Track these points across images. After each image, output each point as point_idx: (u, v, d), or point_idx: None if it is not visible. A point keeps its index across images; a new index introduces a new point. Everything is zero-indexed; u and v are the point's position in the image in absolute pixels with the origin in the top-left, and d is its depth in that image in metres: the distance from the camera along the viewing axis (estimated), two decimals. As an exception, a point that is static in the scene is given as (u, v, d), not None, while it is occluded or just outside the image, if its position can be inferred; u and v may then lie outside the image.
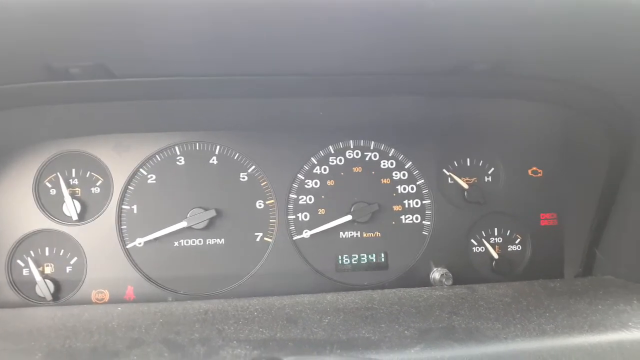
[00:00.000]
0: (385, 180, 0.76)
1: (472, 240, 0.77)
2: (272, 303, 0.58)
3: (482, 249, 0.76)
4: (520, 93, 0.68)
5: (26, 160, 0.71)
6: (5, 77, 0.57)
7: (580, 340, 0.50)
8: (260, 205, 0.74)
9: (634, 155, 0.65)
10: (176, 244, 0.73)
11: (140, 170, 0.72)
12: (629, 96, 0.61)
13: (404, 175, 0.76)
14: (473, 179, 0.76)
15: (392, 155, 0.76)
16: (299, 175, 0.75)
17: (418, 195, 0.76)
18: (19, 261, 0.70)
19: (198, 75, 0.58)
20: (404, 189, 0.76)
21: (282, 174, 0.75)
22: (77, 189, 0.72)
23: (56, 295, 0.70)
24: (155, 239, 0.72)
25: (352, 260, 0.76)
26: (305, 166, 0.76)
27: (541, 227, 0.77)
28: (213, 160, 0.74)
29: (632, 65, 0.57)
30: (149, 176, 0.72)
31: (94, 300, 0.71)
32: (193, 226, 0.72)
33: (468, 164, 0.76)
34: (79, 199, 0.71)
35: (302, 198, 0.76)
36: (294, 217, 0.75)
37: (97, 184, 0.72)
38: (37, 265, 0.70)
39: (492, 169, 0.76)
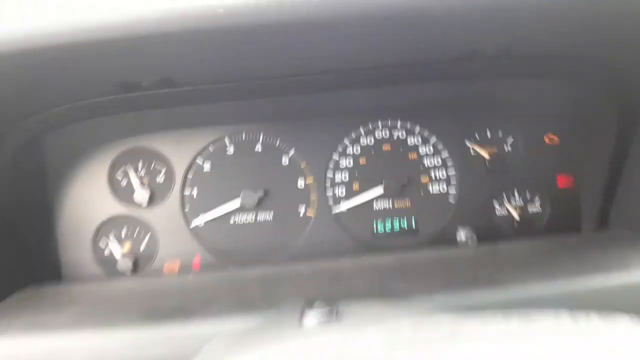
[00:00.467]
0: (413, 155, 0.83)
1: (495, 205, 0.83)
2: (317, 266, 0.68)
3: (505, 212, 0.83)
4: (532, 72, 0.73)
5: (99, 158, 0.82)
6: (84, 94, 0.68)
7: (590, 283, 0.57)
8: (301, 184, 0.83)
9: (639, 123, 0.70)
10: (231, 221, 0.83)
11: (197, 160, 0.82)
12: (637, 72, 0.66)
13: (429, 150, 0.83)
14: (493, 148, 0.82)
15: (418, 133, 0.83)
16: (333, 155, 0.83)
17: (443, 166, 0.83)
18: (100, 243, 0.82)
19: (248, 80, 0.67)
20: (430, 162, 0.83)
21: (319, 155, 0.84)
22: (144, 179, 0.83)
23: (134, 270, 0.82)
24: (214, 218, 0.82)
25: (386, 228, 0.84)
26: (339, 147, 0.84)
27: (558, 189, 0.83)
28: (258, 148, 0.83)
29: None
30: (204, 165, 0.82)
31: (165, 272, 0.83)
32: (245, 205, 0.82)
33: (489, 136, 0.82)
34: (146, 188, 0.82)
35: (338, 175, 0.84)
36: (331, 192, 0.84)
37: (161, 174, 0.82)
38: (117, 244, 0.82)
39: (511, 139, 0.82)
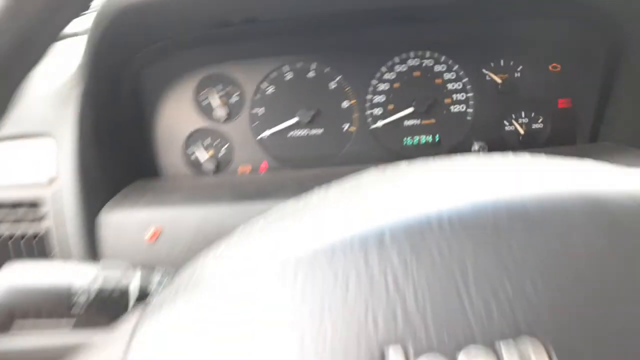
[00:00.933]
0: (438, 81, 1.00)
1: (504, 122, 1.00)
2: (356, 170, 0.88)
3: (512, 128, 1.00)
4: (539, 12, 0.88)
5: (187, 82, 1.02)
6: (183, 31, 0.87)
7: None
8: (345, 105, 1.02)
9: (626, 52, 0.84)
10: (289, 135, 1.03)
11: (262, 84, 1.02)
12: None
13: (452, 76, 0.99)
14: (505, 75, 0.98)
15: (443, 61, 0.99)
16: (372, 81, 1.01)
17: (463, 90, 0.99)
18: (188, 150, 1.05)
19: (311, 17, 0.86)
20: (452, 86, 0.99)
21: (361, 81, 1.00)
22: (222, 98, 1.04)
23: (215, 170, 1.05)
24: (275, 132, 1.03)
25: (414, 141, 1.03)
26: (377, 74, 1.01)
27: (558, 109, 0.98)
28: (311, 74, 1.02)
29: None
30: (267, 89, 1.02)
31: (240, 173, 1.05)
32: (300, 122, 1.02)
33: (502, 64, 0.97)
34: (224, 106, 1.03)
35: (376, 98, 1.03)
36: (370, 112, 1.03)
37: (235, 95, 1.03)
38: (202, 150, 1.05)
39: (521, 66, 0.97)
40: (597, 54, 0.88)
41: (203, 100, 1.02)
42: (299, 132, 1.02)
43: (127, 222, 0.81)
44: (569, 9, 0.85)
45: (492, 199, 0.32)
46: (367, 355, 0.28)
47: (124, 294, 0.54)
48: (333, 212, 0.36)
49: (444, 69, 0.98)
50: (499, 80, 0.96)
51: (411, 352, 0.28)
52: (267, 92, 1.01)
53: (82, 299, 0.52)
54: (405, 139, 1.00)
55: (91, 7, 0.55)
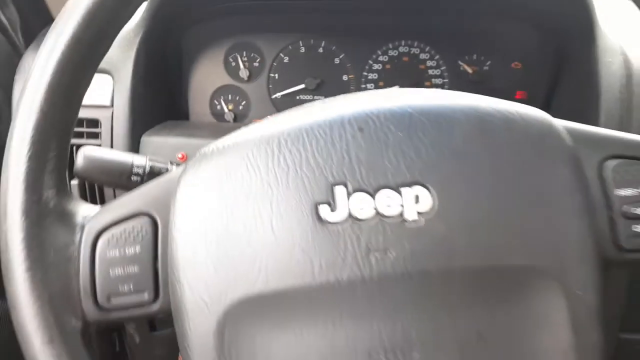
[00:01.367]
0: (422, 66, 1.20)
1: (473, 106, 1.20)
2: None
3: (478, 111, 1.20)
4: (508, 15, 1.09)
5: (219, 47, 1.24)
6: (220, 2, 1.10)
7: None
8: (345, 78, 1.24)
9: (568, 55, 1.06)
10: (297, 97, 1.25)
11: (280, 54, 1.24)
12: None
13: (433, 63, 1.20)
14: (476, 67, 1.19)
15: (428, 51, 1.20)
16: (369, 61, 1.21)
17: (441, 76, 1.18)
18: (214, 101, 1.27)
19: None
20: (433, 72, 1.19)
21: (359, 60, 1.16)
22: (246, 62, 1.26)
23: (234, 121, 1.27)
24: (286, 94, 1.25)
25: (398, 114, 1.24)
26: (373, 55, 1.20)
27: (516, 99, 1.19)
28: (320, 50, 1.23)
29: None
30: (284, 58, 1.24)
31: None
32: (307, 87, 1.23)
33: (474, 58, 1.17)
34: (247, 69, 1.26)
35: (370, 75, 1.23)
36: (364, 86, 1.22)
37: (257, 61, 1.25)
38: (225, 103, 1.27)
39: (489, 62, 1.18)
40: (548, 55, 1.10)
41: (231, 62, 1.24)
42: (305, 96, 1.23)
43: (163, 145, 1.04)
44: (526, 15, 1.07)
45: (404, 103, 0.44)
46: (323, 189, 0.41)
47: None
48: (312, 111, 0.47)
49: (427, 57, 1.20)
50: (470, 71, 1.17)
51: (350, 189, 0.41)
52: (283, 61, 1.23)
53: (140, 171, 0.74)
54: (391, 112, 1.22)
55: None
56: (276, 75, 1.22)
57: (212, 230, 0.42)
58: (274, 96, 1.23)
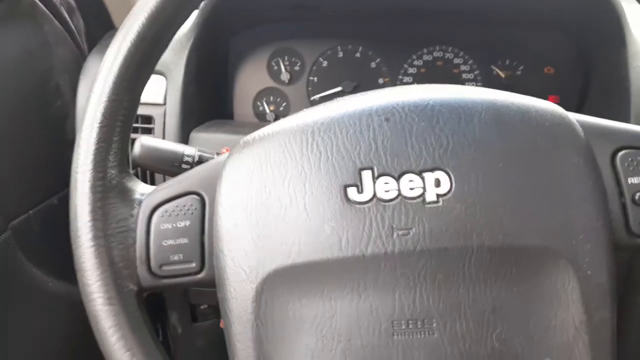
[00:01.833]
0: (456, 71, 1.23)
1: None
2: None
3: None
4: (538, 25, 1.12)
5: (263, 51, 1.30)
6: (266, 10, 1.19)
7: None
8: (380, 81, 1.29)
9: (595, 63, 1.07)
10: (335, 99, 1.31)
11: (319, 58, 1.30)
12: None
13: (467, 67, 1.22)
14: (509, 72, 1.21)
15: (461, 56, 1.23)
16: (404, 64, 1.26)
17: (474, 80, 1.22)
18: (257, 102, 1.35)
19: (368, 6, 1.13)
20: (466, 76, 1.20)
21: (395, 64, 1.20)
22: (287, 66, 1.34)
23: (274, 120, 1.35)
24: (325, 95, 1.29)
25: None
26: (408, 60, 1.24)
27: None
28: (357, 55, 1.29)
29: None
30: (323, 62, 1.31)
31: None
32: (344, 90, 1.25)
33: (507, 63, 1.18)
34: (288, 72, 1.33)
35: (405, 78, 1.26)
36: None
37: (298, 65, 1.32)
38: (267, 104, 1.35)
39: (522, 67, 1.20)
40: (580, 60, 1.13)
41: (273, 66, 1.32)
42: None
43: (209, 140, 1.11)
44: (557, 21, 1.10)
45: (427, 96, 0.48)
46: (351, 173, 0.45)
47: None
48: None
49: (461, 62, 1.23)
50: (503, 75, 1.21)
51: (376, 173, 0.44)
52: (322, 65, 1.29)
53: (190, 160, 0.82)
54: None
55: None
56: (315, 78, 1.29)
57: (252, 207, 0.47)
58: (312, 98, 1.29)
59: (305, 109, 0.52)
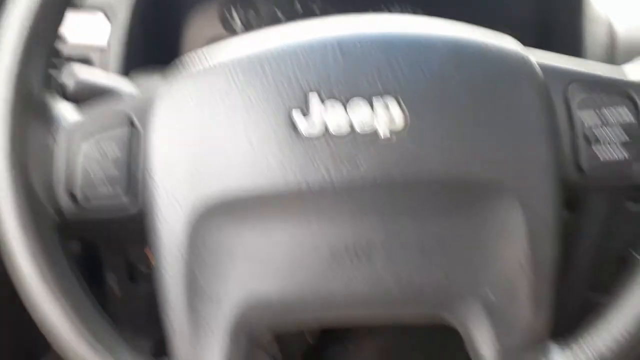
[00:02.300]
0: None
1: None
2: None
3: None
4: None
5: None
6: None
7: None
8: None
9: None
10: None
11: (275, 9, 1.24)
12: None
13: None
14: None
15: (419, 14, 1.23)
16: None
17: None
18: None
19: None
20: None
21: None
22: (241, 15, 1.27)
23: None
24: None
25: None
26: None
27: None
28: (315, 9, 1.23)
29: None
30: (278, 12, 1.24)
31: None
32: None
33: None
34: (242, 22, 1.27)
35: None
36: None
37: (251, 14, 1.26)
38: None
39: (480, 27, 1.20)
40: (536, 23, 1.13)
41: (226, 14, 1.25)
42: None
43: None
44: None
45: (385, 27, 0.46)
46: (298, 96, 0.44)
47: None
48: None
49: (417, 19, 1.22)
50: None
51: (323, 97, 0.43)
52: (277, 16, 1.24)
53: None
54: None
55: None
56: (267, 27, 1.23)
57: (189, 135, 0.45)
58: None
59: (252, 33, 0.50)
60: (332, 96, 0.43)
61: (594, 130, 0.44)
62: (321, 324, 0.46)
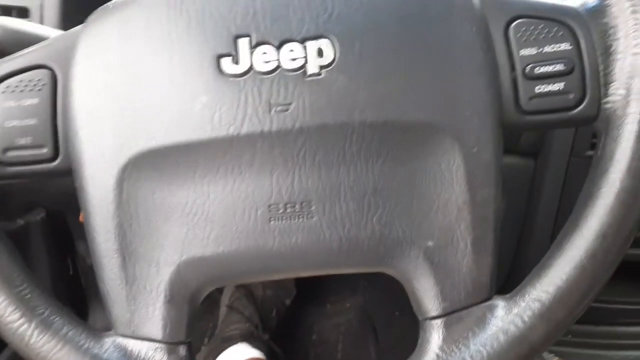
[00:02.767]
0: None
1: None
2: None
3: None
4: None
5: None
6: None
7: None
8: None
9: None
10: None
11: None
12: None
13: None
14: None
15: None
16: None
17: None
18: None
19: None
20: None
21: None
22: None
23: None
24: None
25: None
26: None
27: None
28: None
29: None
30: None
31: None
32: None
33: None
34: None
35: None
36: None
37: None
38: None
39: None
40: None
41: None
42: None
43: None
44: None
45: None
46: (225, 41, 0.41)
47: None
48: None
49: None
50: None
51: (253, 41, 0.41)
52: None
53: None
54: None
55: None
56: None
57: (112, 82, 0.42)
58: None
59: None
60: (262, 41, 0.41)
61: (533, 66, 0.42)
62: (260, 279, 0.44)
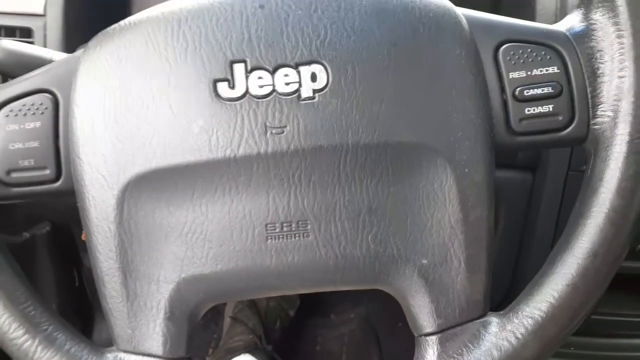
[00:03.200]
0: None
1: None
2: None
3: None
4: None
5: None
6: None
7: None
8: None
9: None
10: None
11: None
12: None
13: None
14: None
15: None
16: None
17: None
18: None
19: None
20: None
21: None
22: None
23: None
24: None
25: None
26: None
27: None
28: None
29: None
30: None
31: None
32: None
33: None
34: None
35: None
36: None
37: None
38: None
39: None
40: None
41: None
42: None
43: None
44: None
45: None
46: (222, 66, 0.42)
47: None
48: None
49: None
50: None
51: (249, 67, 0.42)
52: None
53: None
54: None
55: None
56: None
57: (111, 106, 0.43)
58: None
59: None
60: (257, 66, 0.42)
61: (523, 89, 0.43)
62: (258, 296, 0.45)
